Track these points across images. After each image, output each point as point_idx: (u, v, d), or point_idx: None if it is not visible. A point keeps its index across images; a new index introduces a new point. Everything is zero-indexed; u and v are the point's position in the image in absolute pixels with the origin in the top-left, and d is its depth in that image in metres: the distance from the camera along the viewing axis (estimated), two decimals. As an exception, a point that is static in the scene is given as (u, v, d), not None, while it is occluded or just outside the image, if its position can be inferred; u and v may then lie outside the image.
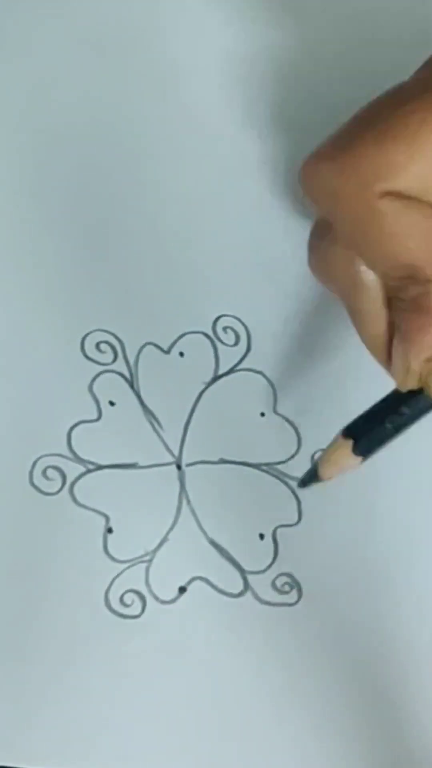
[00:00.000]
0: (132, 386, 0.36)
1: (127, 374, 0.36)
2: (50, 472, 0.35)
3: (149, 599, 0.34)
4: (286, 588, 0.34)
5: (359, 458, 0.31)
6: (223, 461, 0.35)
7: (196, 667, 0.34)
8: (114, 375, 0.36)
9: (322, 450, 0.32)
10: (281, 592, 0.34)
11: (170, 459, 0.35)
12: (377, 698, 0.34)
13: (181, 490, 0.35)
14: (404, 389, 0.29)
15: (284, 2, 0.38)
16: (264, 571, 0.35)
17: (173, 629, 0.34)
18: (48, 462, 0.35)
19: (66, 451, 0.35)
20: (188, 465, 0.35)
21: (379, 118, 0.24)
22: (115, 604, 0.34)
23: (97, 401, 0.36)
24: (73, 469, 0.35)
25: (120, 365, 0.36)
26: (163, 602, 0.34)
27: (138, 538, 0.35)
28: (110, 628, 0.34)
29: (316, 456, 0.33)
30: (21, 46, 0.38)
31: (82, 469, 0.35)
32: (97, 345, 0.36)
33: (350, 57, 0.38)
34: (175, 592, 0.34)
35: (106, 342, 0.36)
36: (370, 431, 0.31)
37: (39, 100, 0.38)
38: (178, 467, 0.35)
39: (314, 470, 0.32)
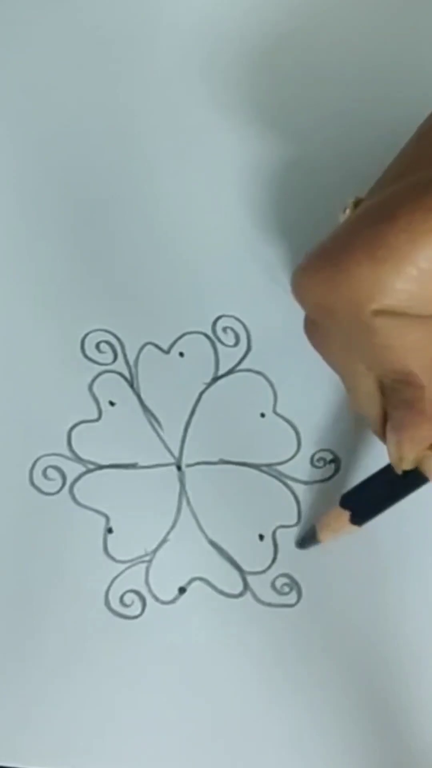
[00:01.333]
0: (132, 386, 0.36)
1: (127, 374, 0.36)
2: (50, 472, 0.35)
3: (149, 599, 0.34)
4: (286, 589, 0.34)
5: (355, 527, 0.33)
6: (223, 462, 0.35)
7: (195, 667, 0.34)
8: (114, 375, 0.36)
9: (322, 514, 0.34)
10: (281, 592, 0.34)
11: (170, 459, 0.35)
12: (377, 698, 0.34)
13: (181, 490, 0.35)
14: (399, 471, 0.31)
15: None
16: (264, 571, 0.35)
17: (173, 629, 0.34)
18: (48, 462, 0.35)
19: (66, 451, 0.35)
20: (188, 465, 0.35)
21: (370, 235, 0.25)
22: (115, 604, 0.34)
23: (97, 401, 0.36)
24: (73, 469, 0.35)
25: (120, 365, 0.36)
26: (163, 602, 0.34)
27: (138, 539, 0.35)
28: (110, 628, 0.34)
29: (316, 522, 0.34)
30: (18, 44, 0.38)
31: (82, 469, 0.35)
32: (97, 345, 0.36)
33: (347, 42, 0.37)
34: (175, 592, 0.34)
35: (106, 342, 0.36)
36: (365, 504, 0.33)
37: (37, 100, 0.38)
38: (178, 467, 0.35)
39: (312, 533, 0.34)
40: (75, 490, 0.35)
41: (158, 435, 0.36)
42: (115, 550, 0.35)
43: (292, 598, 0.34)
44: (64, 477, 0.35)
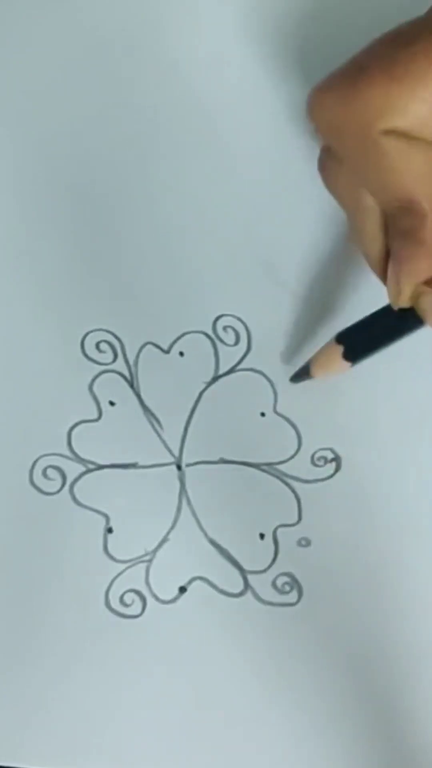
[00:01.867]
0: (132, 386, 0.36)
1: (127, 374, 0.36)
2: (50, 472, 0.35)
3: (149, 599, 0.34)
4: (287, 588, 0.34)
5: (348, 363, 0.33)
6: (223, 461, 0.35)
7: (196, 667, 0.34)
8: (114, 375, 0.36)
9: (317, 350, 0.34)
10: (281, 592, 0.34)
11: (170, 459, 0.35)
12: (377, 697, 0.34)
13: (181, 490, 0.35)
14: (396, 307, 0.31)
15: None
16: (264, 571, 0.35)
17: (173, 629, 0.34)
18: (48, 462, 0.35)
19: (66, 451, 0.35)
20: (188, 465, 0.35)
21: (386, 57, 0.26)
22: (115, 604, 0.34)
23: (97, 401, 0.36)
24: (73, 469, 0.35)
25: (120, 365, 0.36)
26: (163, 602, 0.34)
27: (138, 538, 0.35)
28: (110, 628, 0.34)
29: (311, 358, 0.34)
30: (19, 44, 0.38)
31: (82, 468, 0.35)
32: (97, 345, 0.36)
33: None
34: (175, 591, 0.34)
35: (106, 342, 0.36)
36: (360, 340, 0.33)
37: (38, 100, 0.38)
38: (178, 467, 0.35)
39: (306, 368, 0.34)
40: (75, 489, 0.35)
41: (158, 435, 0.36)
42: (115, 549, 0.35)
43: (292, 597, 0.34)
44: (64, 477, 0.35)
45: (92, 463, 0.35)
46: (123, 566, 0.34)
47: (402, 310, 0.31)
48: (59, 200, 0.37)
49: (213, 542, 0.35)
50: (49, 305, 0.36)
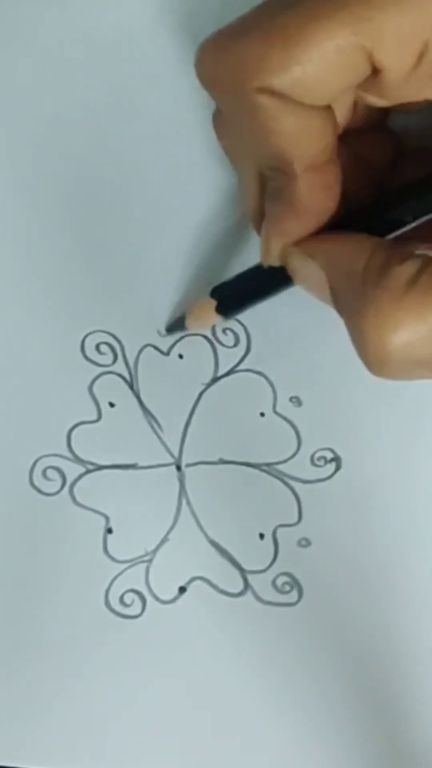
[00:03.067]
0: (132, 387, 0.36)
1: (126, 375, 0.36)
2: (50, 473, 0.35)
3: (149, 599, 0.34)
4: (287, 588, 0.34)
5: (220, 317, 0.34)
6: (223, 461, 0.35)
7: (196, 667, 0.34)
8: (114, 376, 0.36)
9: (192, 301, 0.35)
10: (281, 591, 0.34)
11: (170, 460, 0.35)
12: (377, 698, 0.34)
13: (181, 490, 0.35)
14: (265, 265, 0.32)
15: None
16: (264, 570, 0.35)
17: (173, 629, 0.34)
18: (48, 462, 0.35)
19: (66, 452, 0.35)
20: (188, 465, 0.35)
21: (268, 17, 0.26)
22: (115, 604, 0.34)
23: (96, 402, 0.36)
24: (72, 470, 0.35)
25: (120, 366, 0.36)
26: (163, 602, 0.34)
27: (138, 538, 0.35)
28: (110, 628, 0.34)
29: (185, 308, 0.35)
30: (19, 41, 0.38)
31: (81, 469, 0.35)
32: (97, 346, 0.36)
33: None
34: (175, 591, 0.34)
35: (106, 343, 0.36)
36: (232, 295, 0.34)
37: (34, 101, 0.38)
38: (178, 468, 0.35)
39: (182, 319, 0.35)
40: (75, 490, 0.35)
41: (158, 435, 0.36)
42: (115, 550, 0.35)
43: (292, 597, 0.34)
44: (63, 477, 0.35)
45: (92, 463, 0.35)
46: (123, 566, 0.34)
47: (273, 269, 0.31)
48: (59, 201, 0.37)
49: (213, 542, 0.35)
50: (50, 307, 0.36)
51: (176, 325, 0.35)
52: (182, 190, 0.37)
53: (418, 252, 0.27)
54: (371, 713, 0.34)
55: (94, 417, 0.36)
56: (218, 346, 0.36)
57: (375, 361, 0.27)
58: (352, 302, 0.27)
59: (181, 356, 0.36)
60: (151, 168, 0.37)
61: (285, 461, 0.35)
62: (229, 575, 0.34)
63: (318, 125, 0.27)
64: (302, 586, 0.34)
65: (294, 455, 0.35)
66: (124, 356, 0.36)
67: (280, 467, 0.35)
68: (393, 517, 0.35)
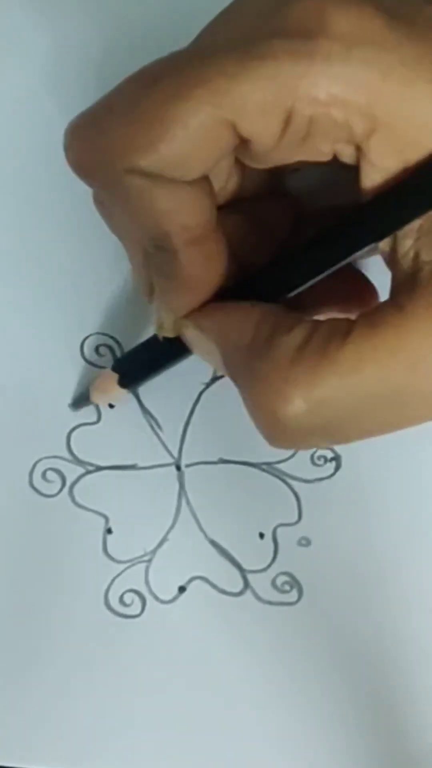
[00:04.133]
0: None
1: (126, 376, 0.36)
2: (50, 474, 0.35)
3: (149, 599, 0.34)
4: (286, 587, 0.34)
5: (124, 390, 0.34)
6: (222, 461, 0.35)
7: (196, 667, 0.34)
8: (114, 377, 0.36)
9: (95, 376, 0.35)
10: (281, 591, 0.34)
11: (170, 460, 0.35)
12: (378, 697, 0.34)
13: (181, 490, 0.35)
14: (160, 337, 0.32)
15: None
16: (264, 570, 0.34)
17: (173, 629, 0.34)
18: (48, 464, 0.35)
19: (65, 453, 0.35)
20: (188, 465, 0.35)
21: (131, 96, 0.26)
22: (115, 604, 0.34)
23: (96, 404, 0.36)
24: (72, 471, 0.35)
25: (119, 368, 0.36)
26: (163, 602, 0.34)
27: (138, 539, 0.35)
28: (110, 628, 0.34)
29: (89, 384, 0.35)
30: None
31: (81, 470, 0.35)
32: (97, 348, 0.36)
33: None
34: (175, 591, 0.34)
35: (106, 345, 0.36)
36: (133, 368, 0.34)
37: (35, 102, 0.38)
38: (178, 468, 0.35)
39: (86, 395, 0.35)
40: (74, 491, 0.35)
41: (157, 436, 0.36)
42: (114, 550, 0.35)
43: (292, 596, 0.34)
44: (63, 479, 0.35)
45: (92, 465, 0.35)
46: (122, 566, 0.34)
47: (171, 339, 0.31)
48: (59, 202, 0.37)
49: (212, 542, 0.35)
50: (49, 309, 0.36)
51: (81, 400, 0.35)
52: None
53: (307, 318, 0.27)
54: (371, 712, 0.33)
55: (94, 418, 0.36)
56: (217, 347, 0.36)
57: (269, 434, 0.27)
58: (243, 375, 0.27)
59: (181, 356, 0.36)
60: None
61: (285, 460, 0.35)
62: (229, 575, 0.34)
63: (193, 199, 0.27)
64: (302, 585, 0.34)
65: (294, 454, 0.35)
66: (123, 357, 0.36)
67: (280, 466, 0.35)
68: (393, 517, 0.35)
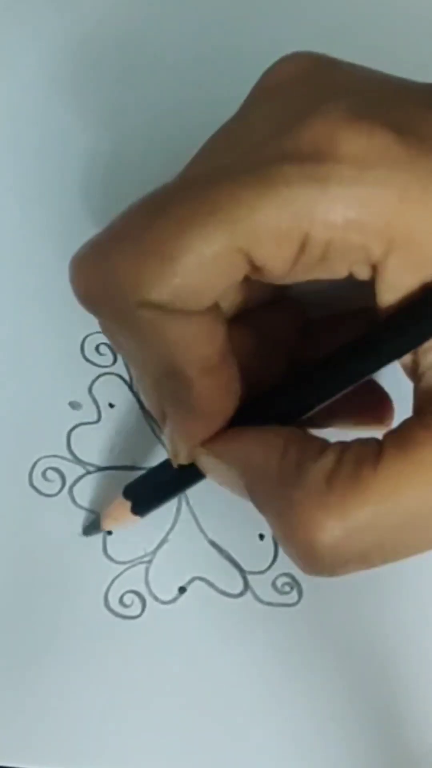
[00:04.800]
0: (131, 388, 0.36)
1: (126, 376, 0.36)
2: (50, 474, 0.35)
3: (149, 600, 0.34)
4: (287, 588, 0.34)
5: (137, 517, 0.33)
6: (222, 462, 0.35)
7: (196, 668, 0.34)
8: (114, 377, 0.36)
9: (106, 503, 0.34)
10: (281, 592, 0.34)
11: (170, 460, 0.35)
12: (378, 698, 0.34)
13: (181, 491, 0.35)
14: (175, 465, 0.31)
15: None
16: (264, 571, 0.35)
17: (173, 630, 0.34)
18: (48, 463, 0.35)
19: (65, 453, 0.35)
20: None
21: (138, 227, 0.25)
22: (115, 605, 0.34)
23: (96, 403, 0.36)
24: (72, 471, 0.35)
25: (119, 367, 0.36)
26: (163, 602, 0.34)
27: (138, 539, 0.35)
28: (110, 628, 0.34)
29: (100, 511, 0.34)
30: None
31: (81, 470, 0.35)
32: (97, 347, 0.36)
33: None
34: (175, 592, 0.34)
35: (106, 344, 0.36)
36: (145, 494, 0.33)
37: (37, 102, 0.38)
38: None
39: (96, 522, 0.34)
40: (75, 491, 0.35)
41: (157, 436, 0.36)
42: (114, 551, 0.35)
43: (292, 597, 0.34)
44: (63, 478, 0.35)
45: (92, 465, 0.35)
46: (122, 567, 0.34)
47: (183, 465, 0.31)
48: (59, 201, 0.37)
49: (212, 543, 0.35)
50: (50, 308, 0.36)
51: (92, 527, 0.35)
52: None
53: (332, 442, 0.26)
54: (372, 713, 0.34)
55: (94, 418, 0.36)
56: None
57: (305, 564, 0.26)
58: (272, 503, 0.26)
59: (181, 356, 0.36)
60: (149, 170, 0.37)
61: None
62: (229, 576, 0.34)
63: (205, 328, 0.26)
64: (302, 586, 0.34)
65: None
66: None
67: (279, 467, 0.35)
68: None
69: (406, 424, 0.26)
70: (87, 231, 0.36)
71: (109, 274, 0.25)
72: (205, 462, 0.29)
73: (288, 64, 0.27)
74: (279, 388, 0.29)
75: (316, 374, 0.28)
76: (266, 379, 0.30)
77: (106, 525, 0.34)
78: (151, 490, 0.33)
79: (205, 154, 0.27)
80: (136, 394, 0.36)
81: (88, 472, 0.35)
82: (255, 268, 0.25)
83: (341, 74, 0.27)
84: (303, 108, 0.25)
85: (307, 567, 0.26)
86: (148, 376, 0.28)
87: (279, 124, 0.25)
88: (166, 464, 0.32)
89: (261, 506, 0.27)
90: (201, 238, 0.24)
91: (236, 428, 0.28)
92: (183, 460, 0.30)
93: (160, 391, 0.29)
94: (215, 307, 0.26)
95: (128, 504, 0.33)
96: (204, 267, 0.24)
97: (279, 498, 0.26)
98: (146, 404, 0.31)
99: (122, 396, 0.36)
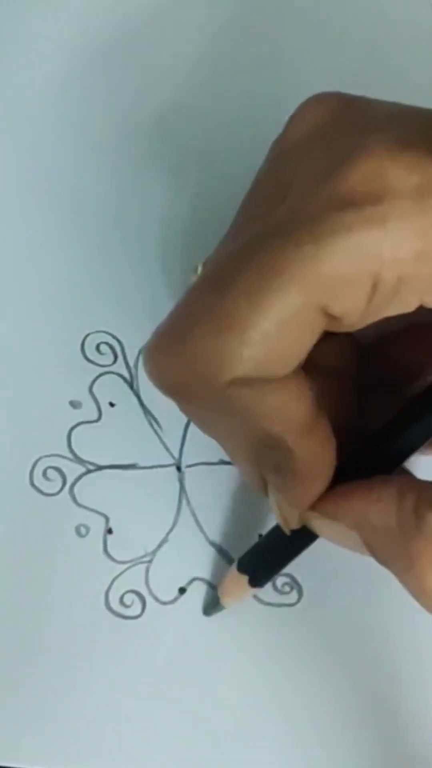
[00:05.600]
0: (132, 387, 0.36)
1: (127, 375, 0.36)
2: (50, 473, 0.35)
3: (149, 600, 0.34)
4: (286, 588, 0.34)
5: (255, 588, 0.33)
6: (223, 462, 0.35)
7: (195, 668, 0.34)
8: (114, 376, 0.36)
9: (223, 579, 0.34)
10: (281, 592, 0.34)
11: (170, 460, 0.35)
12: (378, 698, 0.34)
13: (181, 491, 0.35)
14: (287, 532, 0.30)
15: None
16: (264, 571, 0.35)
17: (173, 630, 0.34)
18: (48, 463, 0.35)
19: (66, 452, 0.35)
20: (188, 466, 0.35)
21: (209, 306, 0.24)
22: (115, 605, 0.34)
23: (97, 402, 0.36)
24: (73, 470, 0.35)
25: (120, 366, 0.36)
26: (163, 603, 0.34)
27: (138, 539, 0.35)
28: (110, 629, 0.34)
29: (218, 588, 0.34)
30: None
31: (82, 469, 0.35)
32: (97, 346, 0.36)
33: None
34: (175, 592, 0.34)
35: (106, 343, 0.36)
36: (262, 566, 0.33)
37: (38, 100, 0.38)
38: (178, 468, 0.35)
39: (216, 600, 0.34)
40: (75, 490, 0.35)
41: (158, 436, 0.36)
42: (115, 550, 0.35)
43: (292, 597, 0.34)
44: (64, 478, 0.35)
45: (92, 464, 0.35)
46: (123, 567, 0.34)
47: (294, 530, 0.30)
48: (59, 201, 0.37)
49: (213, 543, 0.35)
50: (50, 307, 0.36)
51: (213, 607, 0.34)
52: (182, 188, 0.37)
53: None
54: (372, 713, 0.34)
55: (95, 417, 0.36)
56: (218, 346, 0.36)
57: None
58: (396, 556, 0.26)
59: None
60: (152, 168, 0.37)
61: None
62: (229, 576, 0.34)
63: (295, 391, 0.26)
64: (302, 586, 0.34)
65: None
66: (124, 356, 0.36)
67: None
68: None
69: None
70: (88, 227, 0.37)
71: (189, 359, 0.24)
72: (317, 525, 0.29)
73: (315, 108, 0.27)
74: (375, 437, 0.29)
75: (413, 419, 0.28)
76: (348, 415, 0.29)
77: (227, 602, 0.33)
78: (266, 559, 0.33)
79: (248, 216, 0.27)
80: (136, 393, 0.36)
81: (89, 471, 0.35)
82: (332, 319, 0.25)
83: (372, 111, 0.26)
84: (344, 149, 0.24)
85: None
86: (244, 450, 0.28)
87: (322, 169, 0.24)
88: (276, 530, 0.31)
89: (384, 561, 0.27)
90: (275, 302, 0.23)
91: (344, 486, 0.28)
92: (294, 525, 0.30)
93: (260, 463, 0.28)
94: (298, 368, 0.26)
95: (245, 578, 0.33)
96: (285, 331, 0.24)
97: (401, 550, 0.26)
98: (245, 478, 0.30)
99: (123, 395, 0.36)
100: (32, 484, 0.35)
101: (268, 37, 0.39)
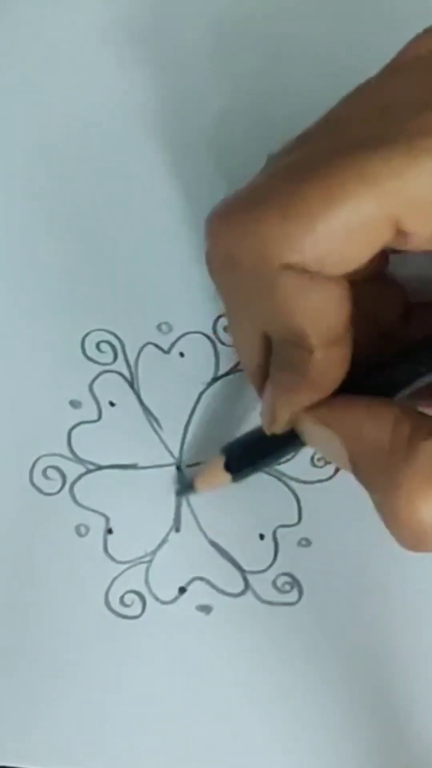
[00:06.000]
0: (132, 386, 0.36)
1: (127, 374, 0.36)
2: (50, 472, 0.35)
3: (149, 599, 0.34)
4: (287, 587, 0.34)
5: (229, 476, 0.33)
6: (223, 462, 0.35)
7: (196, 668, 0.34)
8: (114, 375, 0.36)
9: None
10: (282, 591, 0.34)
11: (170, 460, 0.35)
12: (378, 698, 0.34)
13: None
14: (268, 432, 0.31)
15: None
16: (264, 571, 0.35)
17: (173, 629, 0.34)
18: (48, 462, 0.35)
19: (66, 452, 0.35)
20: (188, 466, 0.35)
21: (283, 191, 0.25)
22: (115, 605, 0.34)
23: (97, 401, 0.36)
24: (73, 470, 0.35)
25: (120, 365, 0.36)
26: (164, 602, 0.34)
27: (138, 539, 0.35)
28: (110, 628, 0.34)
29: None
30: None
31: (82, 469, 0.35)
32: (98, 345, 0.36)
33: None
34: (175, 592, 0.34)
35: (107, 342, 0.36)
36: (240, 456, 0.33)
37: (38, 101, 0.38)
38: (178, 468, 0.35)
39: (190, 483, 0.34)
40: (75, 490, 0.35)
41: (158, 435, 0.36)
42: (115, 550, 0.35)
43: (293, 596, 0.34)
44: (64, 477, 0.35)
45: (92, 463, 0.35)
46: (123, 567, 0.35)
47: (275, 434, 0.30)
48: (59, 199, 0.37)
49: (213, 543, 0.35)
50: (50, 306, 0.36)
51: (185, 488, 0.35)
52: (182, 188, 0.37)
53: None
54: (372, 712, 0.34)
55: (95, 416, 0.36)
56: (219, 345, 0.36)
57: (410, 539, 0.26)
58: (379, 479, 0.26)
59: (182, 354, 0.36)
60: (151, 166, 0.37)
61: (285, 461, 0.35)
62: (230, 575, 0.34)
63: (339, 297, 0.26)
64: (302, 585, 0.34)
65: (294, 455, 0.35)
66: (124, 355, 0.36)
67: (280, 468, 0.35)
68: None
69: None
70: (88, 226, 0.37)
71: (251, 234, 0.25)
72: (307, 428, 0.29)
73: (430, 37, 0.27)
74: (381, 364, 0.29)
75: (413, 351, 0.29)
76: (363, 355, 0.29)
77: (199, 486, 0.34)
78: (246, 452, 0.33)
79: (341, 122, 0.27)
80: (136, 393, 0.36)
81: (89, 471, 0.35)
82: (400, 235, 0.25)
83: None
84: None
85: (410, 543, 0.26)
86: (259, 339, 0.28)
87: (426, 95, 0.25)
88: (258, 432, 0.32)
89: (365, 478, 0.27)
90: (351, 203, 0.24)
91: (345, 396, 0.28)
92: (279, 427, 0.30)
93: (271, 357, 0.29)
94: (348, 278, 0.26)
95: (222, 460, 0.33)
96: (353, 232, 0.24)
97: (386, 471, 0.26)
98: (243, 364, 0.31)
99: (123, 394, 0.36)
100: (32, 483, 0.35)
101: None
